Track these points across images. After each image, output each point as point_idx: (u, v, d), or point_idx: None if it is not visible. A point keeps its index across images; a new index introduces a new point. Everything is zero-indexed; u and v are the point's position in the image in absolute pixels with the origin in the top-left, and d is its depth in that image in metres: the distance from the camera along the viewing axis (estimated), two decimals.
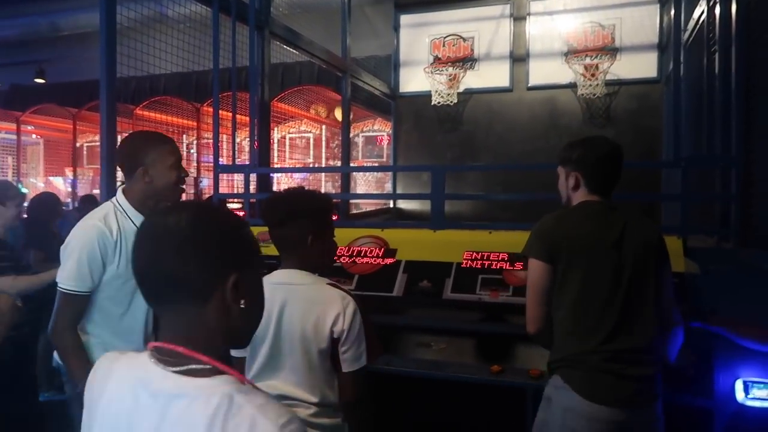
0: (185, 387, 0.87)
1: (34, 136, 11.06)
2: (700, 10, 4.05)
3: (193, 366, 0.88)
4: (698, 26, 4.18)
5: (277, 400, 0.94)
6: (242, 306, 0.94)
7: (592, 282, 1.88)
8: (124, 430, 0.89)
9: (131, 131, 8.80)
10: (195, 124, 8.35)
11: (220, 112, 4.27)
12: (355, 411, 1.78)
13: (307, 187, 2.08)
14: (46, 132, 10.96)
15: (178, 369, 0.88)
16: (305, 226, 1.80)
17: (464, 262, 3.00)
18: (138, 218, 1.99)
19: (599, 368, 1.83)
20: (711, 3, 3.72)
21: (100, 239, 1.92)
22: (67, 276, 1.92)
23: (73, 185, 9.98)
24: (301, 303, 1.76)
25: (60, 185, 11.02)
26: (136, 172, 1.98)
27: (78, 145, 10.05)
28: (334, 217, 2.04)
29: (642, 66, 6.17)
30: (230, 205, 5.72)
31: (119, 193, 2.04)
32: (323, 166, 8.60)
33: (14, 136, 9.91)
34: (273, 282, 1.78)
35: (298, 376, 1.73)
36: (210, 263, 0.90)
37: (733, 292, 1.96)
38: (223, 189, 4.64)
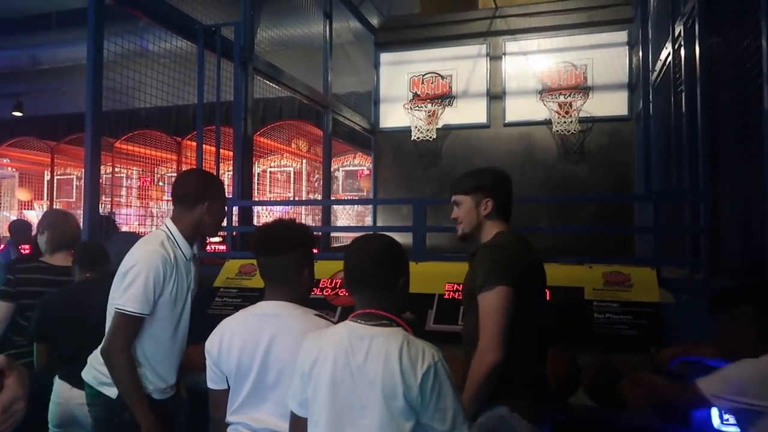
0: (381, 331, 1.52)
1: (9, 168, 10.94)
2: (666, 52, 4.26)
3: (383, 321, 1.55)
4: (665, 67, 4.39)
5: None
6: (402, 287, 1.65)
7: (533, 311, 1.97)
8: (344, 359, 1.51)
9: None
10: (175, 156, 8.36)
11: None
12: None
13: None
14: (22, 165, 10.85)
15: (374, 323, 1.54)
16: (303, 256, 1.85)
17: (446, 293, 3.05)
18: (185, 247, 2.10)
19: (540, 395, 1.96)
20: (676, 45, 3.92)
21: (165, 265, 2.00)
22: (133, 299, 1.97)
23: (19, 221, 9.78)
24: (292, 334, 1.72)
25: (33, 218, 10.86)
26: (197, 205, 2.09)
27: (48, 178, 9.95)
28: (314, 250, 2.09)
29: (613, 104, 6.40)
30: (212, 239, 5.71)
31: (170, 222, 2.11)
32: (303, 199, 8.66)
33: None
34: (259, 314, 1.80)
35: (284, 408, 1.67)
36: (392, 267, 1.62)
37: (706, 321, 2.04)
38: None
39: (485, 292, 1.87)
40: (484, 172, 2.14)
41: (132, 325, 2.00)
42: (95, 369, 2.10)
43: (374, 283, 1.59)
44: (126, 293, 1.98)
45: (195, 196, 2.09)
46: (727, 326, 1.91)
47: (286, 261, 1.80)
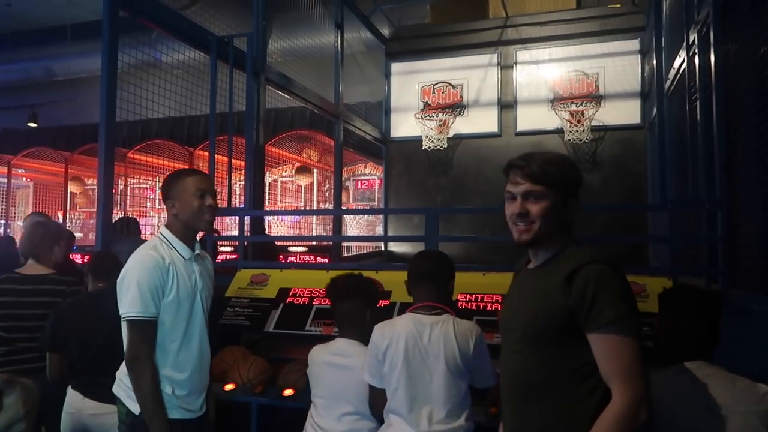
0: (438, 319, 2.05)
1: (24, 179, 11.05)
2: (680, 60, 4.22)
3: (437, 311, 2.08)
4: (679, 75, 4.35)
5: None
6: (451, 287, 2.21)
7: None
8: (413, 341, 2.02)
9: (125, 174, 8.85)
10: (187, 166, 8.40)
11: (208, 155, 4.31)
12: None
13: (299, 234, 2.28)
14: (36, 175, 10.95)
15: (431, 313, 2.08)
16: (365, 304, 2.27)
17: (459, 303, 3.02)
18: (183, 248, 2.12)
19: None
20: (691, 53, 3.88)
21: (156, 267, 2.01)
22: (131, 304, 1.98)
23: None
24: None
25: None
26: (168, 205, 2.14)
27: (73, 190, 10.01)
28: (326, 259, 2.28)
29: (626, 112, 6.36)
30: (222, 248, 5.72)
31: (163, 227, 2.17)
32: (315, 209, 8.67)
33: (5, 180, 9.89)
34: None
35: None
36: (447, 272, 2.18)
37: (725, 333, 1.99)
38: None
39: (620, 333, 1.41)
40: (572, 165, 1.61)
41: (142, 330, 1.98)
42: (123, 383, 2.07)
43: (434, 282, 2.13)
44: (125, 301, 2.00)
45: (165, 197, 2.15)
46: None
47: (350, 306, 2.26)
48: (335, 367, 2.21)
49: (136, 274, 2.00)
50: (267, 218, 8.09)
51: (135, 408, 2.02)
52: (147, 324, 1.99)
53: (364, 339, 2.17)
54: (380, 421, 2.13)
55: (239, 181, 6.54)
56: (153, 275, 2.00)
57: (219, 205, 2.27)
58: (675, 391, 1.72)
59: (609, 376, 1.43)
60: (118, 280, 2.04)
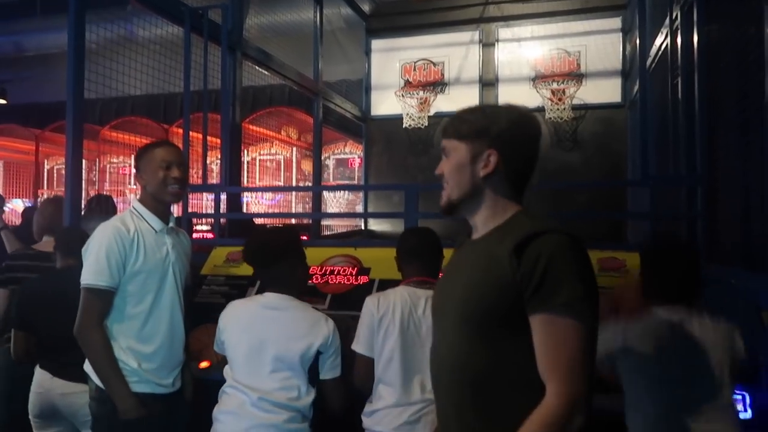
0: (431, 292, 1.67)
1: None
2: (662, 38, 4.21)
3: (430, 285, 2.06)
4: (661, 53, 4.34)
5: None
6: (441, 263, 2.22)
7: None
8: (408, 312, 2.04)
9: (97, 152, 8.65)
10: None
11: (190, 133, 4.22)
12: None
13: (277, 212, 2.24)
14: (6, 154, 10.67)
15: (425, 287, 2.09)
16: (294, 264, 2.11)
17: None
18: (154, 220, 2.11)
19: None
20: (674, 30, 3.86)
21: (117, 236, 2.00)
22: (88, 272, 1.98)
23: (32, 207, 9.64)
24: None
25: (19, 207, 10.68)
26: (138, 177, 2.15)
27: (49, 168, 9.78)
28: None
29: (607, 91, 6.35)
30: (199, 227, 5.63)
31: (135, 200, 2.18)
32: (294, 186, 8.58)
33: None
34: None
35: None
36: (437, 248, 2.21)
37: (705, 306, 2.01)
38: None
39: (571, 317, 1.14)
40: (497, 111, 1.33)
41: (95, 299, 1.97)
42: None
43: (424, 258, 2.16)
44: (84, 270, 2.00)
45: (136, 170, 2.18)
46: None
47: (278, 271, 2.08)
48: (268, 320, 2.03)
49: (95, 244, 2.00)
50: (246, 199, 7.98)
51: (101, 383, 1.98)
52: (99, 293, 1.97)
53: (296, 294, 2.10)
54: (357, 393, 2.10)
55: (218, 159, 6.43)
56: (113, 245, 1.98)
57: (192, 182, 2.23)
58: (666, 326, 1.84)
59: (545, 368, 1.15)
60: (83, 250, 2.04)
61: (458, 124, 1.33)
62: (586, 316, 1.15)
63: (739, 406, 2.03)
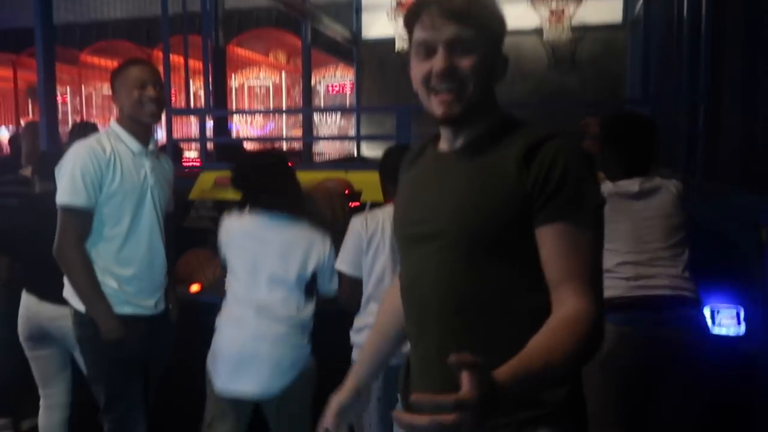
0: None
1: None
2: None
3: None
4: None
5: None
6: None
7: None
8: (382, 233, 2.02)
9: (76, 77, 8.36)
10: None
11: (174, 57, 4.03)
12: None
13: (266, 137, 2.15)
14: None
15: None
16: (284, 182, 2.07)
17: None
18: (131, 141, 2.04)
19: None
20: None
21: (92, 155, 1.94)
22: (62, 192, 1.93)
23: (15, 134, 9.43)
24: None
25: (4, 136, 10.43)
26: (113, 97, 2.08)
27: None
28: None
29: (607, 10, 6.12)
30: (187, 153, 5.53)
31: (112, 120, 2.11)
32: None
33: None
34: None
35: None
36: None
37: (698, 223, 1.99)
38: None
39: (596, 228, 1.03)
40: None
41: (73, 219, 1.93)
42: (68, 283, 2.01)
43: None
44: (59, 190, 1.95)
45: (112, 91, 2.10)
46: None
47: (269, 190, 2.04)
48: (262, 241, 2.03)
49: (69, 163, 1.94)
50: (236, 127, 7.80)
51: (81, 307, 1.97)
52: (77, 212, 1.92)
53: (288, 211, 2.06)
54: (344, 311, 2.10)
55: (202, 87, 6.23)
56: (88, 164, 1.92)
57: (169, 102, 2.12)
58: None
59: (570, 276, 1.00)
60: (56, 169, 1.98)
61: (473, 7, 1.06)
62: (602, 226, 1.04)
63: (733, 320, 2.04)
